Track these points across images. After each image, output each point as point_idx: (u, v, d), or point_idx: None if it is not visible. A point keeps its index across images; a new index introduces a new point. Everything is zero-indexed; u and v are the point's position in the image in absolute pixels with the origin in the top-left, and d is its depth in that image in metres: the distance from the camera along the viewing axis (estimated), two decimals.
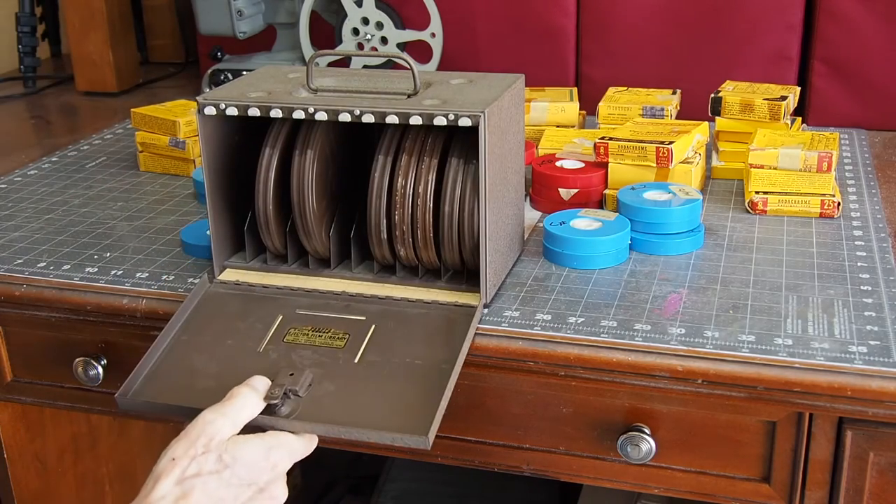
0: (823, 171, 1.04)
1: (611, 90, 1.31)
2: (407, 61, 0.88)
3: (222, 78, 1.53)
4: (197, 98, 0.88)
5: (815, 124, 1.42)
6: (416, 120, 0.83)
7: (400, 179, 0.86)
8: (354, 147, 0.95)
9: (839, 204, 1.06)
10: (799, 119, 1.26)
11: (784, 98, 1.18)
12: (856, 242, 0.99)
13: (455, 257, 0.89)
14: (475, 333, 0.84)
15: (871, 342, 0.80)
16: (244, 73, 1.50)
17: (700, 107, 1.30)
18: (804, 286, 0.90)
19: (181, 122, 1.23)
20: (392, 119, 0.84)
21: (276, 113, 0.86)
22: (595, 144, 1.09)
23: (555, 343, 0.82)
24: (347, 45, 1.50)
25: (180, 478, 0.68)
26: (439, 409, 0.75)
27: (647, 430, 0.84)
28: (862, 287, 0.90)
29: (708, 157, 1.21)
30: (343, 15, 1.49)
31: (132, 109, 1.29)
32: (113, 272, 0.97)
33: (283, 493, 0.74)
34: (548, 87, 1.38)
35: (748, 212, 1.08)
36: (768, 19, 1.40)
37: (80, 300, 0.94)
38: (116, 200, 1.17)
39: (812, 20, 1.40)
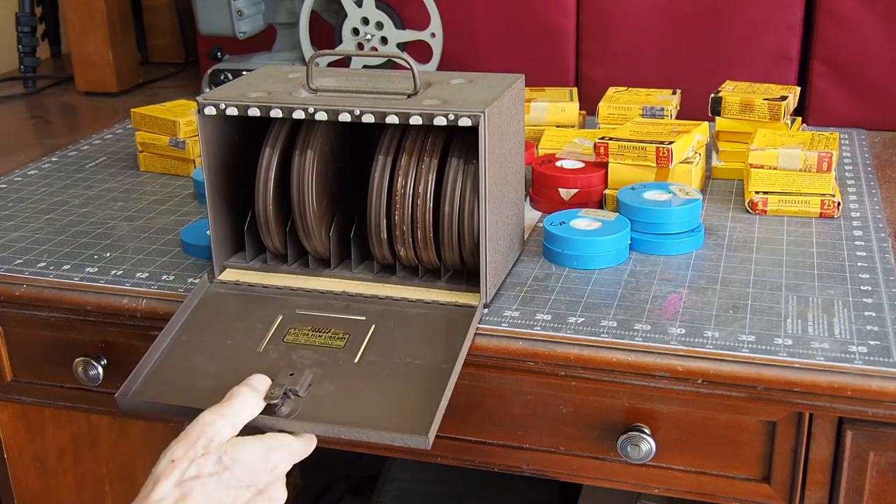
0: (823, 171, 1.04)
1: (611, 90, 1.31)
2: (407, 61, 0.88)
3: (222, 78, 1.53)
4: (197, 98, 0.88)
5: (815, 124, 1.42)
6: (416, 120, 0.83)
7: (400, 179, 0.86)
8: (354, 147, 0.95)
9: (839, 204, 1.06)
10: (799, 119, 1.26)
11: (784, 98, 1.18)
12: (856, 242, 0.99)
13: (455, 257, 0.89)
14: (475, 333, 0.84)
15: (871, 342, 0.80)
16: (244, 73, 1.50)
17: (700, 107, 1.30)
18: (804, 286, 0.90)
19: (181, 122, 1.23)
20: (392, 119, 0.84)
21: (276, 113, 0.86)
22: (595, 144, 1.09)
23: (555, 343, 0.82)
24: (347, 45, 1.50)
25: (180, 479, 0.68)
26: (439, 409, 0.75)
27: (647, 430, 0.84)
28: (862, 287, 0.90)
29: (708, 157, 1.21)
30: (343, 15, 1.49)
31: (132, 109, 1.29)
32: (113, 272, 0.97)
33: (282, 494, 0.74)
34: (548, 87, 1.38)
35: (748, 212, 1.08)
36: (768, 19, 1.40)
37: (80, 300, 0.94)
38: (116, 200, 1.17)
39: (812, 20, 1.40)
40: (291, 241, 0.93)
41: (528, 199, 1.12)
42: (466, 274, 0.91)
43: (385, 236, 0.89)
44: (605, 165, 1.09)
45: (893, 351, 0.79)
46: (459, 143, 0.87)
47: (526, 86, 1.06)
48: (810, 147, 1.05)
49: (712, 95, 1.20)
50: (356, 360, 0.82)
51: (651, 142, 1.07)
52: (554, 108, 1.27)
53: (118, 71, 1.71)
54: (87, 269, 0.98)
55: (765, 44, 1.42)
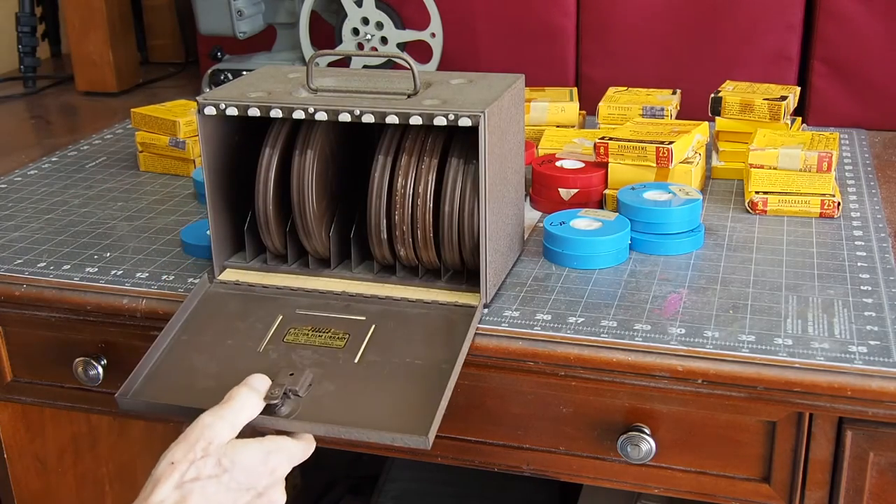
0: (823, 171, 1.04)
1: (611, 90, 1.31)
2: (407, 61, 0.88)
3: (222, 78, 1.53)
4: (197, 98, 0.88)
5: (815, 124, 1.42)
6: (416, 120, 0.83)
7: (400, 179, 0.86)
8: (354, 147, 0.95)
9: (839, 204, 1.06)
10: (799, 119, 1.26)
11: (784, 98, 1.18)
12: (856, 242, 0.99)
13: (455, 257, 0.89)
14: (475, 333, 0.84)
15: (871, 342, 0.80)
16: (244, 73, 1.50)
17: (700, 107, 1.30)
18: (804, 286, 0.90)
19: (181, 122, 1.23)
20: (392, 119, 0.84)
21: (276, 113, 0.86)
22: (595, 144, 1.09)
23: (555, 343, 0.82)
24: (347, 45, 1.50)
25: (179, 482, 0.68)
26: (439, 409, 0.75)
27: (647, 430, 0.84)
28: (862, 287, 0.90)
29: (708, 157, 1.21)
30: (343, 15, 1.49)
31: (132, 109, 1.29)
32: (113, 272, 0.97)
33: (281, 497, 0.74)
34: (548, 87, 1.38)
35: (748, 212, 1.08)
36: (768, 19, 1.40)
37: (80, 300, 0.94)
38: (116, 200, 1.17)
39: (812, 20, 1.40)
40: (291, 241, 0.93)
41: (528, 199, 1.12)
42: (466, 274, 0.91)
43: (385, 236, 0.89)
44: (605, 165, 1.09)
45: (893, 351, 0.79)
46: (459, 143, 0.87)
47: (526, 86, 1.06)
48: (810, 147, 1.05)
49: (712, 95, 1.20)
50: (356, 360, 0.82)
51: (651, 142, 1.07)
52: (554, 108, 1.27)
53: (118, 71, 1.71)
54: (87, 269, 0.98)
55: (765, 44, 1.42)
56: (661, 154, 1.06)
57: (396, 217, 0.87)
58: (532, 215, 1.09)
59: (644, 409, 0.85)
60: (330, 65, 1.53)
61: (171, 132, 1.24)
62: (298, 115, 0.86)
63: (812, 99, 1.42)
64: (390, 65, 1.48)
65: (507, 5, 1.50)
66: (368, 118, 0.84)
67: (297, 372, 0.80)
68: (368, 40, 1.49)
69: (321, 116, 0.85)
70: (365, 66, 1.49)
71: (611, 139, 1.08)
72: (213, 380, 0.81)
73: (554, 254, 0.96)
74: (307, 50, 1.51)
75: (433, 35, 1.47)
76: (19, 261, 1.00)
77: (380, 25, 1.48)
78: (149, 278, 0.95)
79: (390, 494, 1.59)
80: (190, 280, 0.95)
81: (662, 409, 0.84)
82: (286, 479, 0.75)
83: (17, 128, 1.56)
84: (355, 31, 1.49)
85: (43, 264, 0.99)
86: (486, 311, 0.87)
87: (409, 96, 0.88)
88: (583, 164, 1.11)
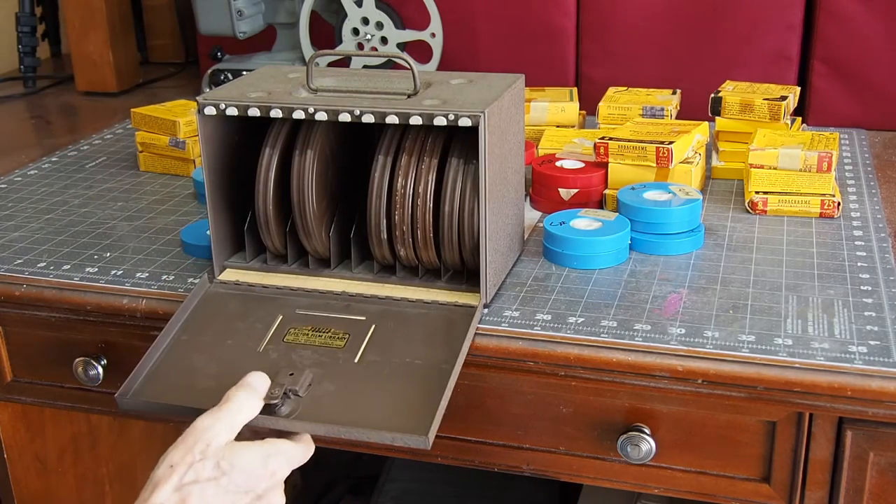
0: (823, 171, 1.04)
1: (611, 90, 1.31)
2: (407, 61, 0.88)
3: (222, 78, 1.53)
4: (197, 98, 0.88)
5: (815, 124, 1.42)
6: (416, 120, 0.83)
7: (400, 179, 0.86)
8: (354, 147, 0.95)
9: (839, 204, 1.06)
10: (799, 119, 1.26)
11: (784, 98, 1.18)
12: (856, 242, 0.99)
13: (455, 257, 0.89)
14: (475, 333, 0.84)
15: (871, 342, 0.80)
16: (244, 73, 1.50)
17: (700, 107, 1.30)
18: (804, 286, 0.90)
19: (181, 122, 1.23)
20: (392, 119, 0.84)
21: (276, 113, 0.86)
22: (595, 144, 1.09)
23: (555, 343, 0.82)
24: (347, 45, 1.50)
25: (178, 484, 0.68)
26: (439, 408, 0.75)
27: (647, 430, 0.84)
28: (862, 287, 0.90)
29: (708, 157, 1.21)
30: (343, 15, 1.49)
31: (132, 109, 1.29)
32: (113, 272, 0.97)
33: (280, 500, 0.74)
34: (548, 87, 1.38)
35: (748, 212, 1.08)
36: (768, 19, 1.40)
37: (80, 300, 0.94)
38: (116, 200, 1.17)
39: (812, 20, 1.40)
40: (291, 241, 0.93)
41: (528, 199, 1.12)
42: (466, 274, 0.91)
43: (385, 236, 0.89)
44: (605, 165, 1.09)
45: (893, 351, 0.79)
46: (459, 143, 0.87)
47: (526, 86, 1.06)
48: (810, 147, 1.05)
49: (712, 95, 1.20)
50: (356, 360, 0.82)
51: (651, 142, 1.07)
52: (554, 108, 1.27)
53: (118, 71, 1.71)
54: (87, 269, 0.98)
55: (765, 44, 1.42)
56: (661, 154, 1.06)
57: (396, 217, 0.87)
58: (532, 215, 1.09)
59: (644, 409, 0.85)
60: (330, 65, 1.53)
61: (171, 132, 1.24)
62: (298, 115, 0.86)
63: (812, 99, 1.42)
64: (390, 65, 1.48)
65: (507, 5, 1.50)
66: (368, 118, 0.84)
67: (296, 372, 0.80)
68: (368, 40, 1.49)
69: (321, 116, 0.85)
70: (365, 66, 1.49)
71: (611, 139, 1.08)
72: (212, 380, 0.81)
73: (554, 254, 0.96)
74: (307, 50, 1.51)
75: (433, 35, 1.47)
76: (19, 261, 1.00)
77: (380, 25, 1.48)
78: (149, 278, 0.95)
79: (390, 494, 1.59)
80: (190, 280, 0.95)
81: (662, 409, 0.84)
82: (286, 479, 0.75)
83: (17, 128, 1.56)
84: (355, 31, 1.49)
85: (43, 264, 0.99)
86: (486, 311, 0.87)
87: (409, 96, 0.88)
88: (583, 164, 1.11)
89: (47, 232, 1.07)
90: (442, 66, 1.50)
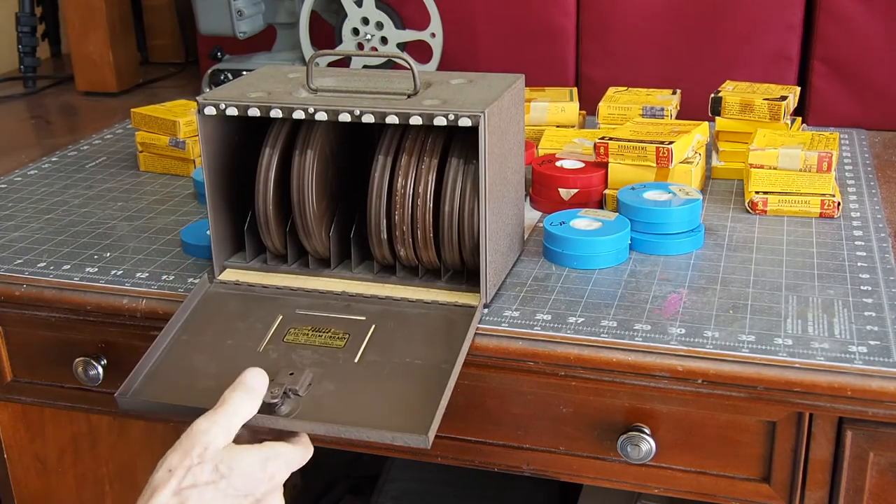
0: (823, 171, 1.04)
1: (611, 90, 1.31)
2: (407, 61, 0.88)
3: (222, 78, 1.53)
4: (197, 98, 0.88)
5: (815, 124, 1.42)
6: (416, 120, 0.83)
7: (400, 179, 0.86)
8: (354, 147, 0.95)
9: (839, 204, 1.06)
10: (799, 119, 1.26)
11: (784, 98, 1.18)
12: (856, 242, 0.99)
13: (455, 257, 0.89)
14: (475, 333, 0.84)
15: (871, 342, 0.80)
16: (244, 73, 1.50)
17: (700, 107, 1.30)
18: (804, 286, 0.90)
19: (181, 122, 1.23)
20: (392, 119, 0.84)
21: (276, 113, 0.86)
22: (595, 144, 1.09)
23: (555, 343, 0.82)
24: (347, 45, 1.50)
25: (177, 488, 0.68)
26: (439, 408, 0.75)
27: (647, 430, 0.84)
28: (862, 287, 0.90)
29: (708, 157, 1.21)
30: (343, 15, 1.49)
31: (132, 109, 1.29)
32: (113, 272, 0.97)
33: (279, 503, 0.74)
34: (548, 87, 1.38)
35: (748, 212, 1.08)
36: (768, 19, 1.40)
37: (80, 300, 0.94)
38: (116, 200, 1.17)
39: (812, 20, 1.40)
40: (291, 241, 0.93)
41: (528, 199, 1.12)
42: (466, 274, 0.91)
43: (385, 236, 0.89)
44: (605, 165, 1.09)
45: (893, 351, 0.79)
46: (459, 143, 0.87)
47: (526, 86, 1.06)
48: (810, 147, 1.05)
49: (712, 95, 1.20)
50: (356, 360, 0.82)
51: (651, 142, 1.07)
52: (554, 108, 1.28)
53: (118, 71, 1.71)
54: (87, 269, 0.98)
55: (765, 44, 1.42)
56: (661, 154, 1.06)
57: (396, 217, 0.87)
58: (532, 215, 1.09)
59: (644, 409, 0.85)
60: (330, 65, 1.53)
61: (171, 132, 1.24)
62: (298, 115, 0.86)
63: (812, 99, 1.42)
64: (390, 65, 1.48)
65: (507, 5, 1.50)
66: (368, 118, 0.84)
67: (296, 371, 0.80)
68: (368, 40, 1.49)
69: (321, 116, 0.85)
70: (365, 66, 1.49)
71: (611, 139, 1.08)
72: (212, 380, 0.81)
73: (554, 254, 0.96)
74: (307, 50, 1.51)
75: (433, 35, 1.47)
76: (19, 261, 1.00)
77: (380, 25, 1.48)
78: (149, 278, 0.95)
79: (390, 494, 1.59)
80: (190, 280, 0.95)
81: (662, 409, 0.84)
82: (285, 480, 0.75)
83: (17, 128, 1.56)
84: (355, 31, 1.49)
85: (43, 264, 0.99)
86: (486, 311, 0.87)
87: (409, 96, 0.88)
88: (583, 164, 1.11)
89: (47, 232, 1.07)
90: (442, 66, 1.50)
